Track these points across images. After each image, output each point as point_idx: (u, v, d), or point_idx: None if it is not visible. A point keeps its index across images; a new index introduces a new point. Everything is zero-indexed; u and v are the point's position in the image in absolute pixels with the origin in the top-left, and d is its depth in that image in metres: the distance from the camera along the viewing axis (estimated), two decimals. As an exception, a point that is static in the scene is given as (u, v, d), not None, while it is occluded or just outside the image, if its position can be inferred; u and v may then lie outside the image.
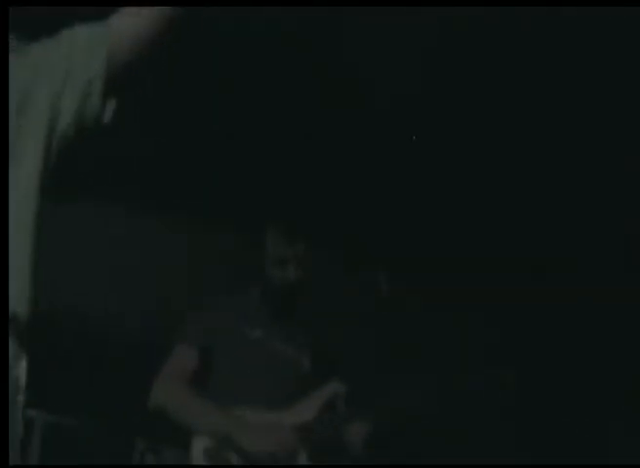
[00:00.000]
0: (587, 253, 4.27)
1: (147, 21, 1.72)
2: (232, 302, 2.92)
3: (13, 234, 1.57)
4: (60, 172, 1.82)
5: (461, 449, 4.46)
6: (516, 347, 4.38)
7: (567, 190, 4.00)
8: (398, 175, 4.03)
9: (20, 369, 1.55)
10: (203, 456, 2.58)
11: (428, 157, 3.86)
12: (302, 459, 2.66)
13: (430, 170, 3.94)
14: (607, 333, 4.56)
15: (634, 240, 4.12)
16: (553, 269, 4.41)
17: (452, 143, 3.80)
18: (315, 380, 2.81)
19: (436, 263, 4.40)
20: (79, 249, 4.41)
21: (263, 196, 3.82)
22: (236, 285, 3.01)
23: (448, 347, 4.40)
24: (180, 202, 4.20)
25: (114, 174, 4.00)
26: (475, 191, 4.08)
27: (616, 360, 4.60)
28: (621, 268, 4.28)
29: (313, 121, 3.70)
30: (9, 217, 1.57)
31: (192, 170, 3.99)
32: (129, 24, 1.73)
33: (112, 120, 1.83)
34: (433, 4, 3.05)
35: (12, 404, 1.52)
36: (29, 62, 1.71)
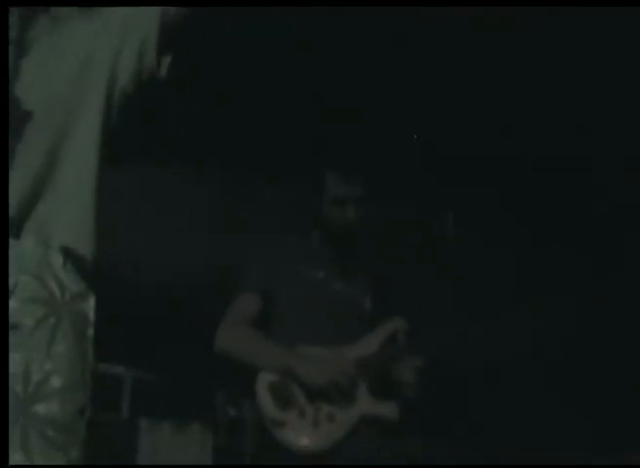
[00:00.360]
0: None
1: None
2: (294, 245, 2.95)
3: (76, 185, 1.70)
4: (121, 127, 1.93)
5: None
6: (577, 281, 4.37)
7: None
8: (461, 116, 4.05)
9: (88, 305, 1.68)
10: (267, 391, 2.65)
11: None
12: (362, 391, 2.70)
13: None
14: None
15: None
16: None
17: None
18: (376, 320, 2.85)
19: (500, 205, 4.41)
20: (138, 202, 4.53)
21: (322, 137, 3.85)
22: (297, 228, 3.03)
23: (509, 288, 4.40)
24: (237, 149, 4.26)
25: (170, 129, 4.09)
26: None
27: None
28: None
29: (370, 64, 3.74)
30: (72, 173, 1.70)
31: (247, 116, 4.05)
32: None
33: (168, 76, 1.94)
34: (433, 4, 3.08)
35: (83, 339, 1.66)
36: (90, 25, 1.80)
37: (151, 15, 1.81)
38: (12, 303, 1.55)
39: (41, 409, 1.53)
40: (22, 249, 1.59)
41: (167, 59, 1.89)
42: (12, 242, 1.57)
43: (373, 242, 3.00)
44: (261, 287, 2.85)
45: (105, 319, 1.75)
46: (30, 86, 1.68)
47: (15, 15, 1.70)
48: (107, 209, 1.74)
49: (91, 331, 1.67)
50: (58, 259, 1.62)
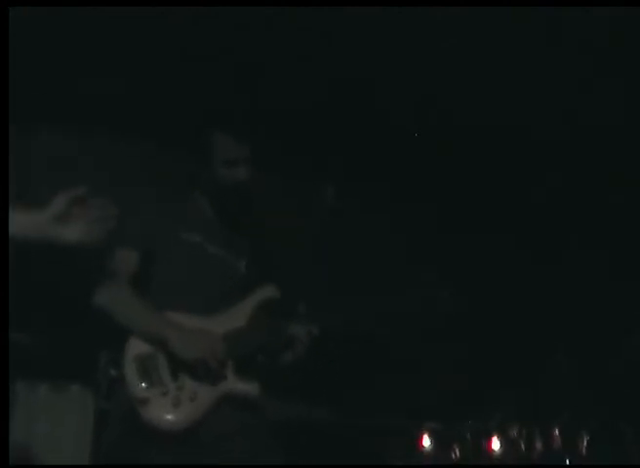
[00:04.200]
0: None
1: None
2: (172, 207, 2.87)
3: None
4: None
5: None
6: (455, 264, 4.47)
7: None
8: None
9: None
10: (133, 363, 2.60)
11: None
12: (228, 369, 2.69)
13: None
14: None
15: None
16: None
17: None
18: (250, 286, 2.84)
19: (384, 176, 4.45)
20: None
21: (210, 99, 3.80)
22: (178, 190, 2.98)
23: (387, 260, 4.46)
24: (125, 111, 4.18)
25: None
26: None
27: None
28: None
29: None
30: None
31: (138, 77, 3.97)
32: None
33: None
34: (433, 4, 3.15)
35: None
36: None
37: None
38: None
39: None
40: None
41: None
42: None
43: (254, 209, 2.95)
44: (139, 244, 2.76)
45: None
46: None
47: None
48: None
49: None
50: None
